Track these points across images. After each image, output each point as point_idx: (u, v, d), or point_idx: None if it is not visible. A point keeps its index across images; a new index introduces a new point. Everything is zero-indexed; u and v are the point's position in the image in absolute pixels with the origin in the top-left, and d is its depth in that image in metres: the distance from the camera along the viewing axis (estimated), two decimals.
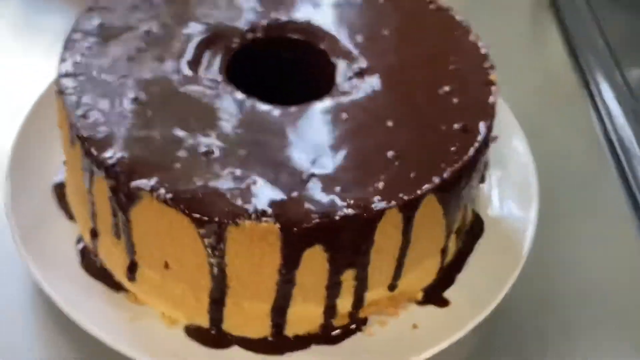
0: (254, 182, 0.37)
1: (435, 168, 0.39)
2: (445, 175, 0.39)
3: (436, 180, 0.38)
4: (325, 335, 0.42)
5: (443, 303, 0.44)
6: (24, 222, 0.44)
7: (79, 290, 0.43)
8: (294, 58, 0.48)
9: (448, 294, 0.45)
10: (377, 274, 0.40)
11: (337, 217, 0.36)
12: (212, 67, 0.45)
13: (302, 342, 0.42)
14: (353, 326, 0.42)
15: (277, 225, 0.36)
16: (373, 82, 0.44)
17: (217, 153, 0.39)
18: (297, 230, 0.36)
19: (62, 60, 0.42)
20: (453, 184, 0.39)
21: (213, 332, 0.42)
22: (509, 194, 0.51)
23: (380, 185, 0.38)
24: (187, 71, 0.44)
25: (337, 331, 0.42)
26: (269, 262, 0.37)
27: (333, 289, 0.40)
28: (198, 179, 0.37)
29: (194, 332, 0.42)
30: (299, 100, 0.44)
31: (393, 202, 0.37)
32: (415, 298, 0.44)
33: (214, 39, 0.46)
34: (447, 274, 0.46)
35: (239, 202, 0.36)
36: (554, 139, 0.59)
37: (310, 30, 0.48)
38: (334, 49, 0.47)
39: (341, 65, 0.46)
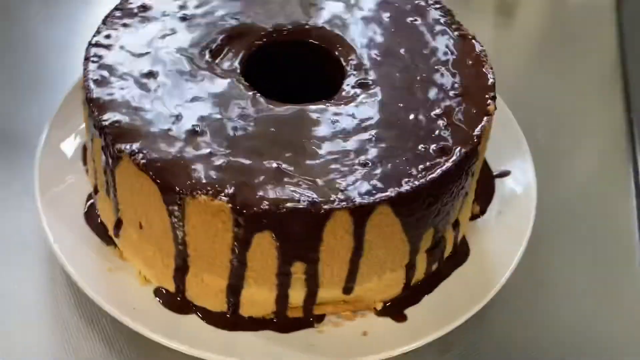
0: (225, 163, 0.40)
1: (396, 181, 0.40)
2: (402, 189, 0.40)
3: (391, 192, 0.39)
4: (278, 323, 0.44)
5: (400, 318, 0.45)
6: (48, 174, 0.49)
7: (75, 238, 0.47)
8: (310, 61, 0.50)
9: (409, 310, 0.45)
10: (329, 273, 0.42)
11: (284, 208, 0.38)
12: (230, 59, 0.48)
13: (255, 324, 0.44)
14: (307, 320, 0.44)
15: (229, 205, 0.38)
16: (373, 95, 0.46)
17: (204, 133, 0.42)
18: (245, 213, 0.38)
19: (97, 32, 0.47)
20: (410, 199, 0.40)
21: (178, 298, 0.45)
22: (504, 230, 0.50)
23: (340, 187, 0.40)
24: (207, 57, 0.48)
25: (287, 321, 0.44)
26: (222, 238, 0.40)
27: (283, 277, 0.42)
28: (176, 151, 0.41)
29: (161, 294, 0.45)
30: (305, 100, 0.46)
31: (342, 204, 0.39)
32: (374, 307, 0.45)
33: (240, 34, 0.49)
34: (414, 292, 0.47)
35: (202, 178, 0.39)
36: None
37: (330, 37, 0.50)
38: (348, 58, 0.49)
39: (351, 74, 0.48)
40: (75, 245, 0.47)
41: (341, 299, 0.44)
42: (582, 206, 0.58)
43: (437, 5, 0.53)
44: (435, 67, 0.48)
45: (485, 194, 0.53)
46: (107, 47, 0.47)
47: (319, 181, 0.40)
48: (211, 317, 0.44)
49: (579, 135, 0.65)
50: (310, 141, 0.42)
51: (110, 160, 0.42)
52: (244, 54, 0.49)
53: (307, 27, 0.51)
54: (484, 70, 0.48)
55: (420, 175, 0.41)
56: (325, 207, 0.38)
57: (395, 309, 0.45)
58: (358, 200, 0.39)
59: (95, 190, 0.48)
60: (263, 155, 0.41)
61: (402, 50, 0.50)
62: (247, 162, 0.41)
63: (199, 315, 0.44)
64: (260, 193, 0.39)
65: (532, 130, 0.60)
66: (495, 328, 0.48)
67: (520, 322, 0.49)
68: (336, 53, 0.50)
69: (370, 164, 0.41)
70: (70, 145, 0.52)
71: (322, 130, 0.43)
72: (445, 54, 0.49)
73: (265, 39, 0.50)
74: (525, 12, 0.79)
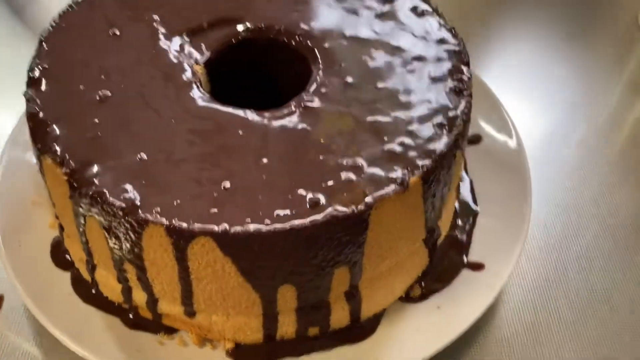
0: (100, 136, 0.39)
1: (234, 217, 0.36)
2: (230, 228, 0.35)
3: (216, 227, 0.35)
4: (126, 315, 0.43)
5: None
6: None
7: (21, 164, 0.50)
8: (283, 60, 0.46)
9: None
10: (159, 286, 0.40)
11: (103, 199, 0.36)
12: (204, 45, 0.46)
13: (109, 306, 0.44)
14: (154, 325, 0.42)
15: (65, 179, 0.37)
16: (304, 122, 0.41)
17: (107, 101, 0.41)
18: (76, 192, 0.37)
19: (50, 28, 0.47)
20: (239, 243, 0.35)
21: (64, 253, 0.45)
22: (425, 331, 0.42)
23: (175, 202, 0.36)
24: (183, 37, 0.46)
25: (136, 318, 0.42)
26: (67, 206, 0.40)
27: (121, 272, 0.40)
28: (66, 108, 0.41)
29: (54, 243, 0.46)
30: (271, 101, 0.43)
31: (159, 220, 0.35)
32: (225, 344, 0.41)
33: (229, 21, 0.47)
34: (278, 349, 0.42)
35: (63, 143, 0.39)
36: None
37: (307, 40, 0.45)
38: (317, 74, 0.44)
39: (308, 90, 0.43)
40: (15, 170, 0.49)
41: (187, 321, 0.41)
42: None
43: (457, 49, 0.45)
44: (392, 116, 0.41)
45: (438, 280, 0.45)
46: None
47: (166, 188, 0.37)
48: (78, 284, 0.44)
49: None
50: (194, 145, 0.39)
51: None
52: (222, 43, 0.46)
53: (301, 32, 0.46)
54: (444, 137, 0.40)
55: (268, 220, 0.35)
56: (141, 215, 0.35)
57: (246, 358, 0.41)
58: (176, 222, 0.35)
59: None
60: (139, 142, 0.39)
61: (373, 86, 0.43)
62: (117, 144, 0.39)
63: (72, 277, 0.44)
64: (99, 177, 0.37)
65: None
66: None
67: None
68: (312, 66, 0.45)
69: (229, 189, 0.37)
70: None
71: (217, 139, 0.40)
72: (419, 104, 0.42)
73: (249, 33, 0.47)
74: None
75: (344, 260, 0.38)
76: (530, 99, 0.62)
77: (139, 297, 0.41)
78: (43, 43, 0.44)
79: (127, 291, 0.41)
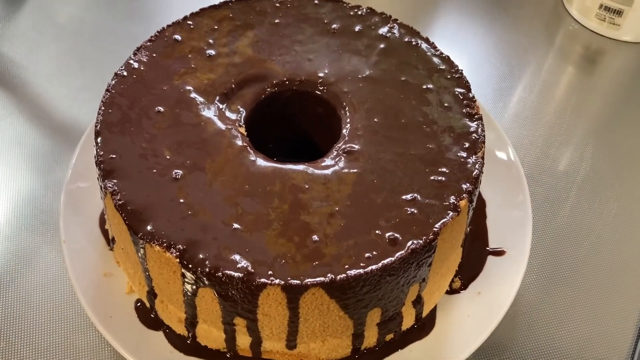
0: (189, 216, 0.44)
1: (336, 265, 0.42)
2: (337, 276, 0.42)
3: (325, 278, 0.42)
4: (231, 358, 0.49)
5: None
6: (80, 170, 0.56)
7: (86, 238, 0.54)
8: (317, 113, 0.53)
9: None
10: (268, 331, 0.46)
11: (222, 275, 0.42)
12: (239, 104, 0.51)
13: (210, 353, 0.49)
14: None
15: (177, 261, 0.43)
16: (353, 166, 0.48)
17: (183, 181, 0.46)
18: (190, 272, 0.42)
19: (126, 63, 0.52)
20: (345, 287, 0.42)
21: (152, 315, 0.50)
22: (478, 311, 0.51)
23: (280, 262, 0.43)
24: (217, 101, 0.51)
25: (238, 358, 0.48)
26: (174, 283, 0.45)
27: (228, 325, 0.46)
28: (151, 197, 0.45)
29: (138, 307, 0.51)
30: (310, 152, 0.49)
31: (275, 281, 0.42)
32: None
33: (254, 79, 0.52)
34: (364, 358, 0.49)
35: (162, 228, 0.44)
36: None
37: (338, 94, 0.52)
38: (346, 120, 0.50)
39: (343, 138, 0.50)
40: (83, 246, 0.53)
41: (285, 352, 0.48)
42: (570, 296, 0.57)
43: (456, 75, 0.53)
44: (425, 147, 0.49)
45: (471, 270, 0.54)
46: (129, 79, 0.51)
47: (266, 251, 0.43)
48: (174, 339, 0.50)
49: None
50: (274, 207, 0.45)
51: (100, 191, 0.47)
52: (252, 100, 0.52)
53: (320, 79, 0.52)
54: (472, 159, 0.48)
55: (362, 264, 0.42)
56: (259, 280, 0.42)
57: None
58: (290, 280, 0.41)
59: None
60: (227, 214, 0.45)
61: (399, 121, 0.50)
62: (209, 218, 0.44)
63: (165, 334, 0.49)
64: (207, 254, 0.43)
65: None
66: None
67: None
68: (340, 112, 0.51)
69: (318, 242, 0.43)
70: None
71: (290, 197, 0.46)
72: (443, 132, 0.49)
73: (276, 88, 0.52)
74: (608, 64, 0.76)
75: (417, 278, 0.46)
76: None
77: (243, 341, 0.47)
78: (99, 136, 0.48)
79: (231, 339, 0.47)
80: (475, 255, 0.55)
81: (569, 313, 0.56)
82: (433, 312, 0.52)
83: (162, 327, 0.50)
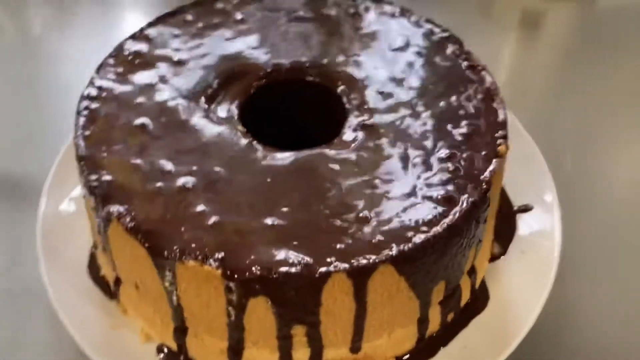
0: (216, 222, 0.38)
1: (398, 237, 0.37)
2: (404, 246, 0.37)
3: (393, 251, 0.37)
4: None
5: None
6: (50, 223, 0.48)
7: (77, 292, 0.46)
8: (311, 100, 0.48)
9: None
10: (332, 334, 0.40)
11: (277, 273, 0.36)
12: (227, 103, 0.46)
13: None
14: None
15: (219, 271, 0.36)
16: (374, 139, 0.44)
17: (195, 189, 0.40)
18: (237, 279, 0.36)
19: (90, 83, 0.46)
20: (415, 257, 0.37)
21: (181, 357, 0.43)
22: (527, 272, 0.47)
23: (337, 247, 0.37)
24: (203, 103, 0.46)
25: None
26: (216, 303, 0.38)
27: (284, 340, 0.40)
28: (165, 212, 0.39)
29: (163, 353, 0.43)
30: (306, 143, 0.44)
31: (340, 266, 0.36)
32: None
33: (237, 75, 0.47)
34: (429, 345, 0.44)
35: (191, 240, 0.37)
36: None
37: (331, 74, 0.48)
38: (350, 96, 0.46)
39: (352, 114, 0.45)
40: (77, 301, 0.45)
41: (349, 357, 0.42)
42: (612, 240, 0.54)
43: (445, 34, 0.50)
44: (440, 104, 0.45)
45: (506, 232, 0.50)
46: (99, 98, 0.45)
47: (316, 239, 0.37)
48: None
49: (611, 161, 0.61)
50: (306, 193, 0.40)
51: (101, 222, 0.40)
52: (241, 97, 0.47)
53: (307, 65, 0.48)
54: (494, 105, 0.45)
55: (424, 229, 0.38)
56: (321, 270, 0.36)
57: None
58: (356, 261, 0.36)
59: (95, 245, 0.46)
60: (257, 211, 0.39)
61: (406, 84, 0.47)
62: (240, 219, 0.38)
63: None
64: (252, 256, 0.37)
65: (559, 155, 0.57)
66: None
67: None
68: (338, 91, 0.47)
69: (370, 219, 0.38)
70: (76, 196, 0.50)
71: (320, 181, 0.41)
72: (452, 87, 0.46)
73: (264, 80, 0.48)
74: (551, 24, 0.76)
75: (475, 239, 0.42)
76: None
77: (300, 356, 0.41)
78: (83, 160, 0.42)
79: (286, 357, 0.41)
80: (505, 217, 0.51)
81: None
82: (483, 283, 0.47)
83: None
